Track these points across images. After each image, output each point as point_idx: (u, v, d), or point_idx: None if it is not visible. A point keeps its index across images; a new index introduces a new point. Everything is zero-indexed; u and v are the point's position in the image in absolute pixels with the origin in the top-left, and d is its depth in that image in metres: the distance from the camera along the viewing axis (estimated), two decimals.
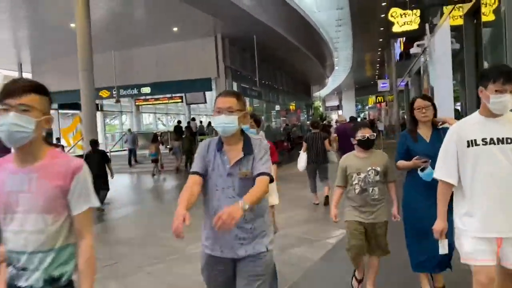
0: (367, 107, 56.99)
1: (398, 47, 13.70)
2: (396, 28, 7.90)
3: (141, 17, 13.48)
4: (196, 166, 2.15)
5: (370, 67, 38.16)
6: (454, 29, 6.41)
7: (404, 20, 7.82)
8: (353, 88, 55.02)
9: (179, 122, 19.13)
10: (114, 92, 16.70)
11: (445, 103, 6.54)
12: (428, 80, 9.25)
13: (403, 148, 3.11)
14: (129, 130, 16.63)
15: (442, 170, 2.23)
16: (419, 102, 3.02)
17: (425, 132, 3.03)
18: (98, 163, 8.09)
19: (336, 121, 37.63)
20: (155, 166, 14.36)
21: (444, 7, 7.57)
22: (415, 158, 2.93)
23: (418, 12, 7.76)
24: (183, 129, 17.19)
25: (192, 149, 16.94)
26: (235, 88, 17.25)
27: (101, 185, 7.94)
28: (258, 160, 2.11)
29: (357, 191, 3.12)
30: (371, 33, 23.48)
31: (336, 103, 63.80)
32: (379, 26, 21.88)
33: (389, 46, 22.73)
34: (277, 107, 25.74)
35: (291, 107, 29.82)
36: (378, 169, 3.14)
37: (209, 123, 21.47)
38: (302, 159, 7.22)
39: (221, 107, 2.11)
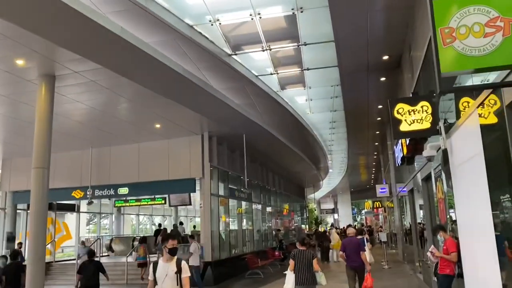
0: (363, 212, 55.24)
1: (399, 150, 12.52)
2: (404, 127, 6.67)
3: (123, 113, 12.51)
4: None
5: (366, 171, 37.32)
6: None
7: (413, 118, 6.63)
8: (349, 191, 53.86)
9: (159, 225, 17.53)
10: (88, 193, 15.11)
11: (477, 227, 5.00)
12: (443, 189, 7.81)
13: None
14: (83, 242, 14.51)
15: None
16: None
17: None
18: (93, 273, 8.34)
19: (332, 226, 35.65)
20: (142, 270, 13.41)
21: (460, 103, 6.42)
22: None
23: (429, 108, 6.59)
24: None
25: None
26: (221, 189, 15.78)
27: None
28: None
29: None
30: (366, 137, 22.83)
31: (331, 206, 62.27)
32: (374, 130, 21.26)
33: (385, 150, 21.89)
34: (269, 209, 24.03)
35: (284, 209, 28.09)
36: None
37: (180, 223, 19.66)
38: (290, 280, 6.79)
39: None
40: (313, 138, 22.23)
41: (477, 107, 4.83)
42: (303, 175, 29.24)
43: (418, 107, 6.65)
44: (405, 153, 11.40)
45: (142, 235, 19.22)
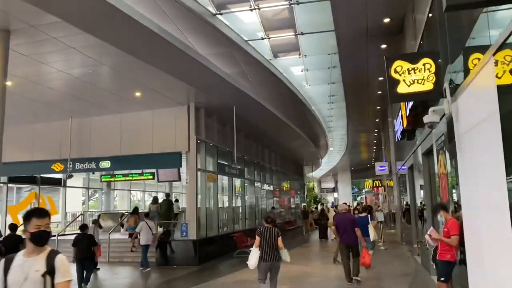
0: (363, 191, 54.57)
1: (399, 124, 11.53)
2: (402, 88, 5.67)
3: (99, 80, 11.49)
4: None
5: (366, 149, 36.30)
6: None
7: (413, 78, 5.63)
8: (349, 170, 53.04)
9: (155, 198, 16.83)
10: (69, 166, 14.26)
11: (488, 205, 4.08)
12: (445, 162, 6.86)
13: None
14: None
15: None
16: None
17: None
18: (86, 246, 9.30)
19: (333, 205, 34.96)
20: (132, 241, 13.00)
21: (470, 61, 5.45)
22: None
23: (432, 67, 5.57)
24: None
25: (170, 215, 14.63)
26: (210, 165, 14.90)
27: (89, 266, 9.42)
28: None
29: None
30: (366, 112, 21.77)
31: (332, 185, 61.63)
32: (375, 105, 20.19)
33: (386, 127, 20.90)
34: (263, 187, 23.23)
35: (280, 187, 27.30)
36: None
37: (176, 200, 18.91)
38: (254, 256, 6.81)
39: None
40: (311, 114, 21.21)
41: (494, 54, 3.83)
42: (301, 152, 28.29)
43: (419, 65, 5.64)
44: (405, 126, 10.41)
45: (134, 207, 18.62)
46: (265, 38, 12.11)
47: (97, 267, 11.86)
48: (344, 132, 27.80)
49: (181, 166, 14.04)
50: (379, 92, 17.39)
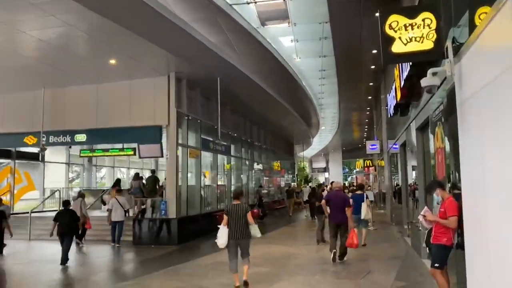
0: (354, 171, 54.28)
1: (392, 98, 10.79)
2: (398, 47, 4.90)
3: (76, 47, 10.55)
4: None
5: (358, 128, 35.71)
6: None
7: (411, 35, 4.85)
8: (340, 150, 52.59)
9: (137, 174, 16.00)
10: (42, 139, 13.40)
11: (497, 181, 3.37)
12: (443, 136, 6.16)
13: None
14: (0, 199, 11.99)
15: None
16: None
17: None
18: (68, 221, 9.19)
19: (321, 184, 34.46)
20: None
21: (477, 16, 4.71)
22: None
23: (433, 22, 4.80)
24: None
25: (156, 191, 13.90)
26: (192, 139, 14.12)
27: (68, 242, 9.14)
28: None
29: None
30: (358, 89, 21.04)
31: (323, 165, 61.35)
32: (368, 81, 19.44)
33: (379, 105, 20.22)
34: (251, 165, 22.56)
35: (269, 166, 26.66)
36: None
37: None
38: (223, 234, 6.64)
39: None
40: (302, 89, 20.39)
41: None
42: (291, 130, 27.59)
43: (418, 20, 4.85)
44: (398, 99, 9.70)
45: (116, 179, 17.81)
46: (251, 3, 11.19)
47: (82, 242, 11.85)
48: (335, 110, 27.10)
49: (161, 141, 13.22)
50: (372, 67, 16.64)
